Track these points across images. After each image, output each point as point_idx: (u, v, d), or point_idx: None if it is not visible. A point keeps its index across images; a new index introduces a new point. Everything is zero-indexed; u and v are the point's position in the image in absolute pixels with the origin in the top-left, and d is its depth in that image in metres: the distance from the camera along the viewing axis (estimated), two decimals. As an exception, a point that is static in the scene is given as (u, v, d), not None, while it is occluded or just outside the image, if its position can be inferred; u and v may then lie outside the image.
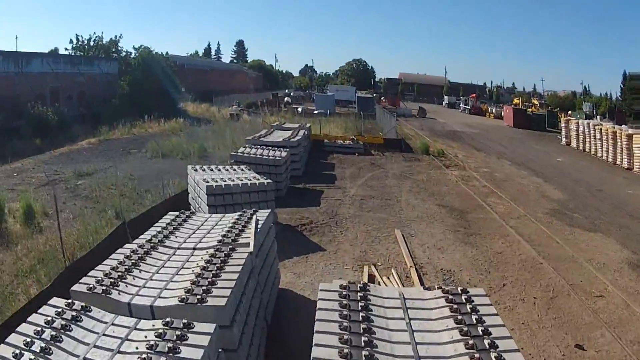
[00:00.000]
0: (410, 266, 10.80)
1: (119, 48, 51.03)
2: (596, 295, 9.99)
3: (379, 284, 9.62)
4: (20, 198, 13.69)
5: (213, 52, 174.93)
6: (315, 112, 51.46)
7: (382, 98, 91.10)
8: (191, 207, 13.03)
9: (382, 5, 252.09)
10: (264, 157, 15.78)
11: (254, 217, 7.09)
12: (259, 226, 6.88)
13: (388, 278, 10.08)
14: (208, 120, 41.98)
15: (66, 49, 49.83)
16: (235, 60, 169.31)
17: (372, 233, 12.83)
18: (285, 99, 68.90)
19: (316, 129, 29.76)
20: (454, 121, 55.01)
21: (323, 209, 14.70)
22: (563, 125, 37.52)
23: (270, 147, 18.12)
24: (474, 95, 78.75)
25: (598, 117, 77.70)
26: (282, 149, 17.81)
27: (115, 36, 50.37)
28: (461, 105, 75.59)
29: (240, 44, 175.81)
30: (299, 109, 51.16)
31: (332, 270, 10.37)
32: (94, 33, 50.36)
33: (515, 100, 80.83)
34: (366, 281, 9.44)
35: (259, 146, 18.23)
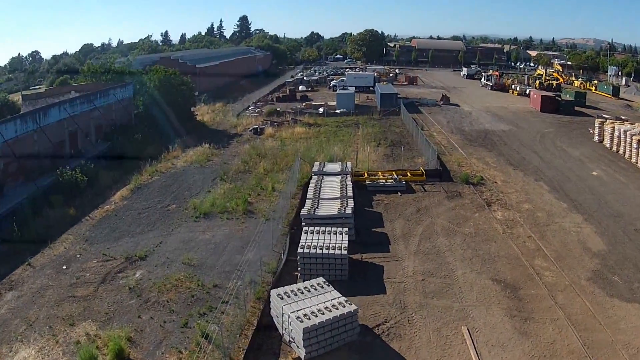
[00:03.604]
0: (484, 379, 12.84)
1: (132, 70, 52.50)
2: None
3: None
4: (108, 348, 13.43)
5: (215, 29, 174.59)
6: (338, 111, 52.76)
7: (397, 74, 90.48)
8: (275, 321, 14.92)
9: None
10: (330, 252, 17.79)
11: None
12: None
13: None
14: (229, 135, 43.08)
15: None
16: (237, 34, 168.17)
17: (442, 332, 14.80)
18: (300, 87, 70.11)
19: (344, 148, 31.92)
20: (480, 107, 55.47)
21: (390, 299, 16.61)
22: (597, 125, 37.94)
23: (328, 222, 20.68)
24: (496, 72, 77.85)
25: (624, 79, 76.46)
26: (341, 226, 19.99)
27: (128, 59, 50.44)
28: (483, 80, 75.01)
29: (243, 19, 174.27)
30: (321, 110, 52.13)
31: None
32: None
33: (539, 72, 79.45)
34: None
35: (316, 225, 20.19)
